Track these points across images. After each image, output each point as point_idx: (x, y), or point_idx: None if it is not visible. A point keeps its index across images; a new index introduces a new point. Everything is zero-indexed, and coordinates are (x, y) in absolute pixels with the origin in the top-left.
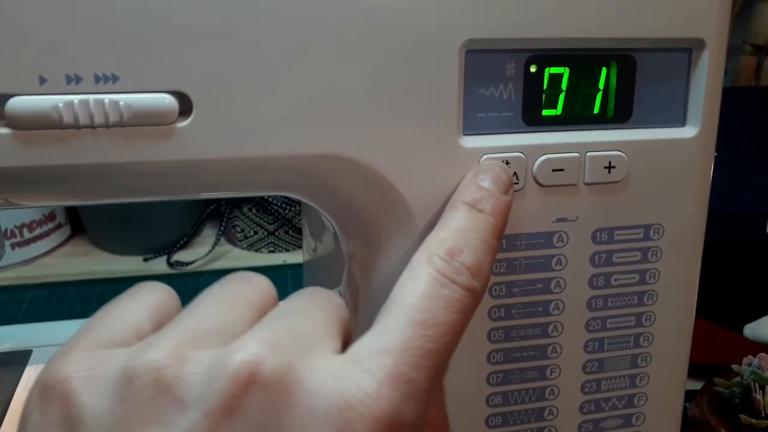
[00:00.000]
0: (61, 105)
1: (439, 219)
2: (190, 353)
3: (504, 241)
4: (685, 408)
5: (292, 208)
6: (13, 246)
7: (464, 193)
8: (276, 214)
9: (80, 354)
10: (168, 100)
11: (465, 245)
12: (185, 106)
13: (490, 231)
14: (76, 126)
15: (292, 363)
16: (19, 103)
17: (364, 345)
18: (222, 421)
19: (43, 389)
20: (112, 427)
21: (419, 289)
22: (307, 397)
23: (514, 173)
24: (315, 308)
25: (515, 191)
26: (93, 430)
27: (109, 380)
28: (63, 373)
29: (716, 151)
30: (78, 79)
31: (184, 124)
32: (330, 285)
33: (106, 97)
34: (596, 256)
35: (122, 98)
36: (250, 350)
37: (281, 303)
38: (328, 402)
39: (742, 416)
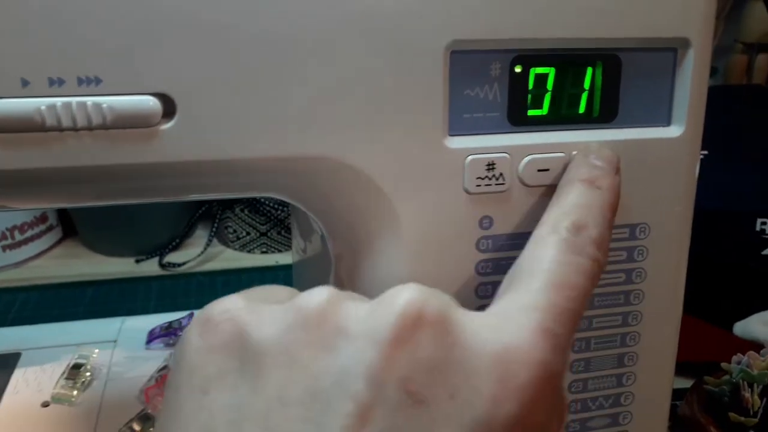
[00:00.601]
0: (43, 108)
1: (555, 195)
2: (345, 299)
3: (489, 241)
4: (674, 406)
5: (285, 209)
6: (4, 248)
7: (579, 171)
8: (268, 214)
9: (236, 297)
10: (151, 102)
11: (588, 219)
12: (169, 108)
13: (608, 206)
14: (59, 129)
15: (449, 307)
16: (1, 105)
17: (508, 302)
18: (393, 350)
19: (204, 320)
20: (280, 351)
21: (551, 256)
22: (467, 337)
23: (500, 174)
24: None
25: (501, 192)
26: (261, 352)
27: (271, 313)
28: (224, 307)
29: (707, 149)
30: (61, 82)
31: (167, 126)
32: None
33: (89, 100)
34: None
35: (105, 101)
36: (413, 293)
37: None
38: (487, 348)
39: (731, 414)
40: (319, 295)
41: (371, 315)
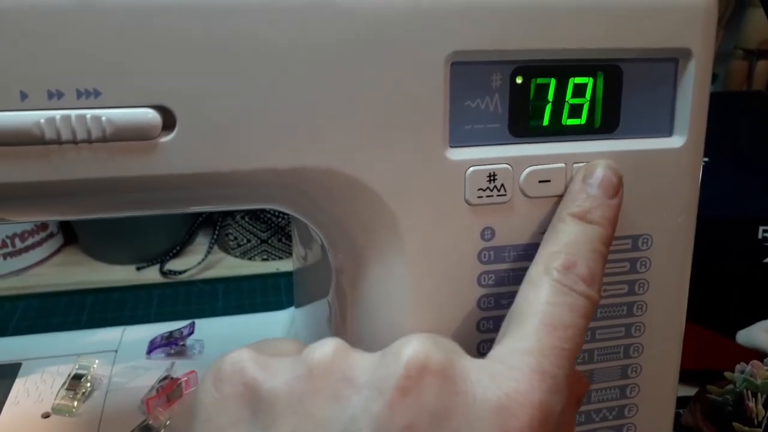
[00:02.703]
0: (42, 121)
1: (549, 229)
2: (352, 350)
3: (491, 253)
4: (677, 415)
5: (285, 216)
6: (4, 256)
7: (572, 203)
8: (269, 222)
9: (246, 350)
10: (151, 115)
11: (578, 257)
12: (168, 121)
13: (600, 240)
14: (59, 142)
15: (452, 358)
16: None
17: (504, 348)
18: (398, 400)
19: (216, 372)
20: (290, 400)
21: (544, 298)
22: (469, 386)
23: (502, 185)
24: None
25: (502, 203)
26: (272, 402)
27: (280, 364)
28: (234, 359)
29: (708, 156)
30: (60, 95)
31: (167, 138)
32: (319, 294)
33: (89, 113)
34: None
35: (104, 113)
36: (418, 344)
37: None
38: (488, 393)
39: (735, 424)
40: (327, 346)
41: (378, 366)
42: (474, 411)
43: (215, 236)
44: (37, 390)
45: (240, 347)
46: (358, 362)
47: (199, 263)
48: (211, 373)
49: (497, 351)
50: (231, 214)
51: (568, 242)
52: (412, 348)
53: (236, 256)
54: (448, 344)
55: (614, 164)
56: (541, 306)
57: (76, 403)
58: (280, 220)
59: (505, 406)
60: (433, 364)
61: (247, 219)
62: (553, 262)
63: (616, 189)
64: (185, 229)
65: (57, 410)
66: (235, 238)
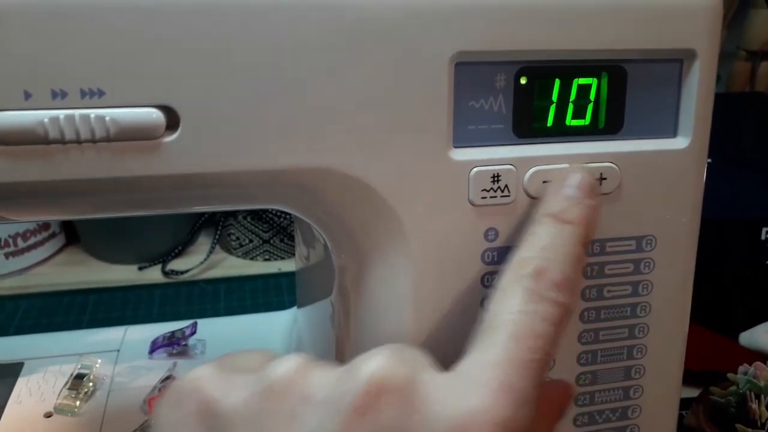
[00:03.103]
0: (46, 120)
1: (526, 232)
2: (313, 367)
3: (495, 253)
4: (680, 416)
5: (288, 216)
6: (6, 255)
7: (549, 204)
8: (271, 222)
9: (207, 366)
10: (155, 115)
11: (551, 262)
12: (172, 121)
13: (576, 241)
14: (62, 141)
15: (414, 374)
16: (3, 118)
17: (470, 361)
18: (355, 419)
19: (175, 391)
20: (247, 420)
21: (514, 307)
22: (429, 405)
23: (506, 185)
24: (408, 346)
25: (506, 204)
26: (229, 420)
27: (240, 382)
28: (193, 376)
29: (711, 157)
30: (63, 94)
31: (171, 138)
32: (322, 294)
33: (92, 112)
34: (588, 268)
35: (108, 113)
36: (379, 362)
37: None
38: (448, 411)
39: (738, 426)
40: (287, 363)
41: (337, 384)
42: (433, 430)
43: (217, 236)
44: (39, 389)
45: (203, 364)
46: (318, 380)
47: (201, 263)
48: (170, 392)
49: (463, 364)
50: (233, 214)
51: (542, 246)
52: (372, 365)
53: (238, 256)
54: (413, 358)
55: (590, 170)
56: (511, 315)
57: (78, 403)
58: (282, 220)
59: (464, 424)
60: (392, 382)
61: (249, 219)
62: (525, 268)
63: (593, 191)
64: (187, 229)
65: (59, 410)
66: (237, 238)
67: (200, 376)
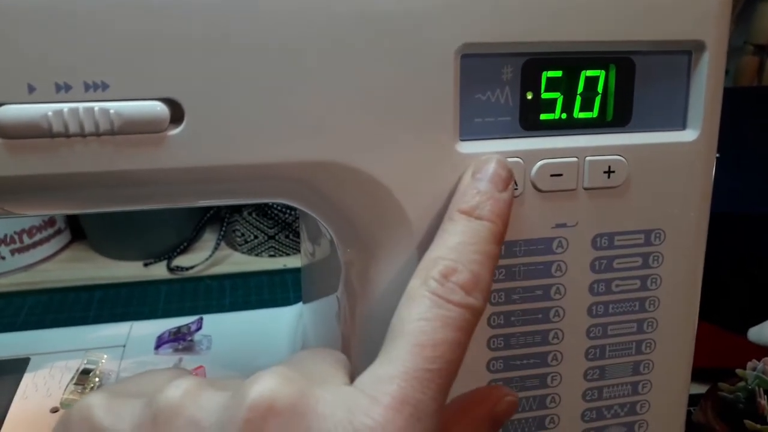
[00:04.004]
0: (50, 113)
1: (438, 231)
2: (205, 389)
3: (503, 247)
4: (688, 413)
5: (293, 212)
6: (12, 252)
7: (460, 200)
8: (276, 218)
9: (99, 393)
10: (159, 108)
11: (460, 262)
12: (177, 114)
13: (489, 238)
14: (66, 135)
15: (304, 392)
16: (7, 112)
17: (368, 374)
18: None
19: (66, 419)
20: None
21: (415, 314)
22: (320, 423)
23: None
24: (321, 354)
25: (513, 197)
26: None
27: (128, 410)
28: (84, 404)
29: (718, 152)
30: (67, 87)
31: (175, 131)
32: (327, 290)
33: (96, 105)
34: (596, 262)
35: (112, 106)
36: (266, 382)
37: (291, 355)
38: (338, 430)
39: (746, 422)
40: (176, 388)
41: (224, 408)
42: None
43: (222, 232)
44: (45, 385)
45: (98, 390)
46: (207, 404)
47: (207, 259)
48: (61, 421)
49: (362, 377)
50: (238, 210)
51: (452, 245)
52: (257, 387)
53: (243, 253)
54: (310, 373)
55: (504, 159)
56: (413, 323)
57: None
58: (287, 216)
59: None
60: (279, 403)
61: (254, 215)
62: (432, 270)
63: (506, 182)
64: (192, 226)
65: (66, 405)
66: (242, 234)
67: (91, 404)
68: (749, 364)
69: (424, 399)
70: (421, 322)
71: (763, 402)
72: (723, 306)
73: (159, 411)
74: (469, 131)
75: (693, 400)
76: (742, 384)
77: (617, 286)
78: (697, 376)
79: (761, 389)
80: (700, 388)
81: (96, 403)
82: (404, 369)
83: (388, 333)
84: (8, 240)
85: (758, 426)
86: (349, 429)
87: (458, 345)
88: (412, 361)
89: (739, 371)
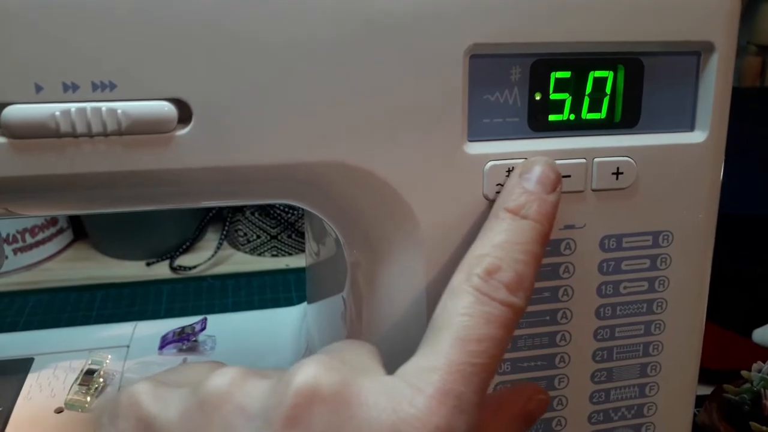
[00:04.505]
0: (57, 113)
1: (482, 227)
2: (250, 377)
3: None
4: (693, 414)
5: (295, 212)
6: (15, 251)
7: (507, 198)
8: (279, 218)
9: (144, 382)
10: (167, 108)
11: (504, 260)
12: (184, 114)
13: (535, 238)
14: (74, 135)
15: (347, 380)
16: (14, 111)
17: (411, 365)
18: (285, 430)
19: (113, 407)
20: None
21: (460, 308)
22: (364, 411)
23: None
24: (356, 345)
25: None
26: None
27: (175, 397)
28: (131, 391)
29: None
30: (75, 87)
31: (183, 132)
32: (333, 290)
33: (104, 105)
34: (604, 264)
35: (120, 106)
36: (310, 370)
37: (328, 345)
38: (382, 417)
39: (752, 424)
40: (223, 375)
41: (269, 394)
42: None
43: (225, 232)
44: (49, 385)
45: (143, 379)
46: (253, 390)
47: (209, 259)
48: (109, 408)
49: (405, 367)
50: (241, 209)
51: (497, 243)
52: (302, 374)
53: (246, 252)
54: (351, 363)
55: (552, 161)
56: (456, 317)
57: (89, 399)
58: (289, 215)
59: (398, 431)
60: (323, 390)
61: (256, 215)
62: (476, 267)
63: (554, 184)
64: (195, 225)
65: (70, 405)
66: (245, 234)
67: (139, 392)
68: (754, 366)
69: (467, 392)
70: (465, 317)
71: None
72: (728, 307)
73: (206, 398)
74: (477, 132)
75: (698, 401)
76: (747, 386)
77: (625, 288)
78: (701, 377)
79: (766, 391)
80: (705, 390)
81: (143, 390)
82: (448, 361)
83: (431, 324)
84: (10, 239)
85: (764, 428)
86: (393, 417)
87: (501, 342)
88: (456, 354)
89: (744, 373)
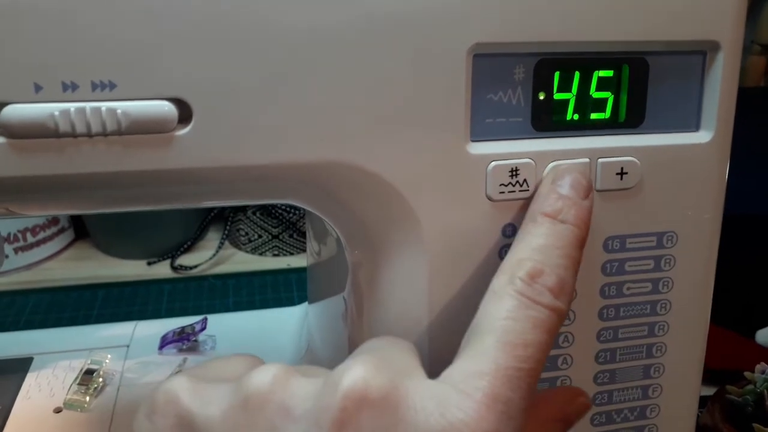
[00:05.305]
0: (57, 113)
1: (519, 232)
2: (293, 376)
3: None
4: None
5: (297, 212)
6: (16, 250)
7: (543, 203)
8: (280, 217)
9: (182, 377)
10: (167, 108)
11: (546, 264)
12: (185, 114)
13: (574, 243)
14: (73, 134)
15: (395, 383)
16: (14, 111)
17: (457, 369)
18: None
19: (151, 403)
20: (224, 431)
21: (504, 312)
22: (411, 414)
23: (524, 180)
24: (398, 344)
25: (524, 199)
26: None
27: (215, 393)
28: (168, 387)
29: None
30: (74, 87)
31: (183, 131)
32: (334, 290)
33: (104, 105)
34: (608, 265)
35: (120, 106)
36: (358, 372)
37: (366, 343)
38: (430, 422)
39: (755, 425)
40: (266, 374)
41: (316, 396)
42: None
43: (226, 231)
44: (48, 385)
45: (179, 374)
46: (298, 391)
47: (210, 258)
48: (146, 405)
49: (451, 371)
50: (242, 209)
51: (537, 247)
52: (350, 377)
53: (247, 252)
54: (396, 364)
55: (585, 169)
56: (501, 321)
57: (88, 398)
58: (291, 215)
59: None
60: (372, 393)
61: (258, 214)
62: (519, 271)
63: (587, 190)
64: (196, 225)
65: (69, 405)
66: (246, 234)
67: (177, 388)
68: (757, 367)
69: (514, 398)
70: (509, 321)
71: None
72: (732, 308)
73: (249, 396)
74: (481, 132)
75: (700, 402)
76: (750, 387)
77: (629, 289)
78: (704, 377)
79: None
80: (708, 390)
81: (182, 386)
82: (495, 366)
83: (472, 327)
84: (11, 238)
85: (767, 429)
86: (441, 422)
87: (546, 346)
88: (503, 359)
89: (747, 374)
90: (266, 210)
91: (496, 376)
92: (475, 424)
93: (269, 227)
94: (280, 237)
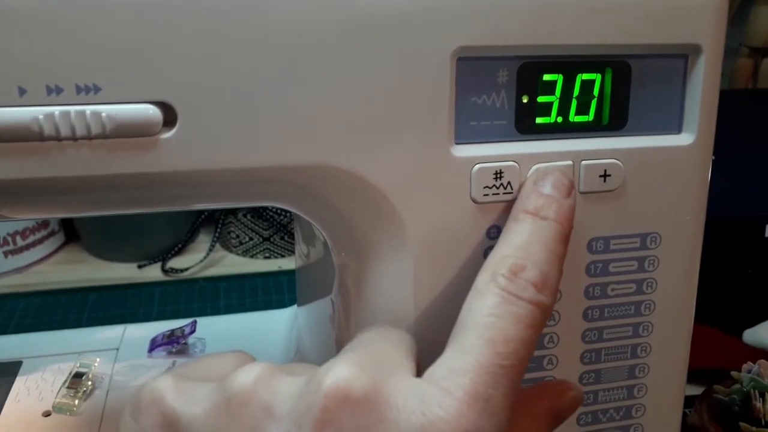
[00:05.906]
0: (41, 117)
1: (502, 231)
2: (277, 375)
3: None
4: (683, 415)
5: (288, 214)
6: (5, 254)
7: (525, 201)
8: (271, 220)
9: (167, 376)
10: (151, 111)
11: (528, 260)
12: (169, 117)
13: (556, 238)
14: (57, 138)
15: (377, 382)
16: None
17: (440, 366)
18: None
19: (136, 402)
20: (207, 430)
21: (487, 309)
22: (393, 413)
23: (508, 182)
24: (390, 338)
25: (509, 201)
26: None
27: (199, 392)
28: (153, 388)
29: (713, 154)
30: (59, 90)
31: (168, 135)
32: (322, 292)
33: (88, 109)
34: (592, 266)
35: (104, 109)
36: (341, 371)
37: (359, 334)
38: (412, 420)
39: (742, 424)
40: (249, 372)
41: (298, 393)
42: None
43: (217, 234)
44: (37, 388)
45: (165, 373)
46: (281, 390)
47: (201, 261)
48: (131, 403)
49: (434, 369)
50: (233, 211)
51: (519, 244)
52: (333, 376)
53: (238, 254)
54: (382, 361)
55: (565, 169)
56: (484, 318)
57: (77, 402)
58: (282, 218)
59: None
60: (354, 392)
61: (249, 217)
62: (501, 267)
63: (569, 189)
64: (187, 227)
65: (58, 409)
66: (237, 236)
67: (162, 387)
68: (744, 367)
69: (496, 394)
70: (492, 318)
71: (758, 404)
72: (718, 308)
73: (232, 395)
74: (465, 135)
75: (688, 401)
76: (737, 386)
77: (613, 289)
78: (691, 377)
79: (756, 392)
80: (695, 390)
81: (166, 386)
82: (477, 364)
83: (457, 324)
84: (1, 242)
85: (754, 429)
86: (422, 420)
87: (530, 342)
88: (485, 356)
89: (734, 373)
90: (257, 212)
91: (478, 373)
92: (455, 422)
93: (260, 230)
94: (271, 239)
